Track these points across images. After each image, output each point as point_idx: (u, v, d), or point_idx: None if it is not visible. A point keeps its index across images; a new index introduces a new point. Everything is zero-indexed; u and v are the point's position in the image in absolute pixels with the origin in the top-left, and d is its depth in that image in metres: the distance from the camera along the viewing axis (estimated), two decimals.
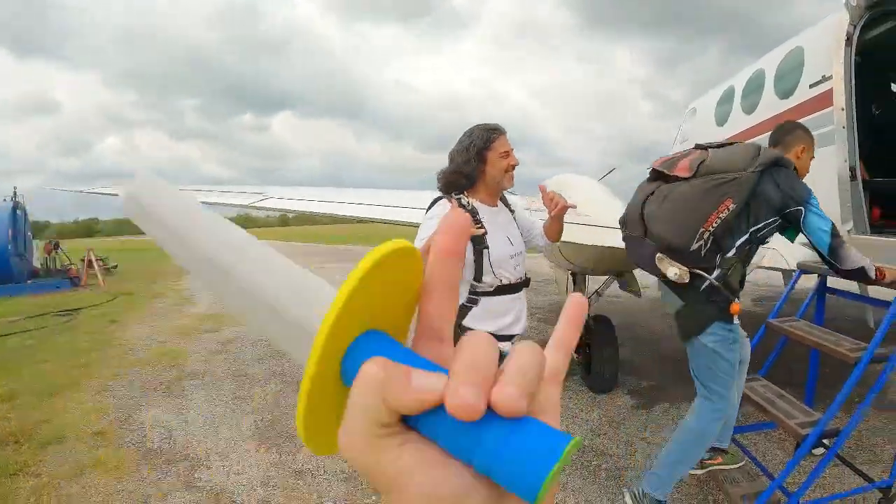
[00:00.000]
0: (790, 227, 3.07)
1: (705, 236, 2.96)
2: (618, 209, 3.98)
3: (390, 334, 0.36)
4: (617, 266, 5.53)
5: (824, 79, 5.04)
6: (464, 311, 2.91)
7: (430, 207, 3.02)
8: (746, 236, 3.02)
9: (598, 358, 5.71)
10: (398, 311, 0.38)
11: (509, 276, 2.97)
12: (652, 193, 3.26)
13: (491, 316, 2.91)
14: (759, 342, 4.05)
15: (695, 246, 2.97)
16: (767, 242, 3.20)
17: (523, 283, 3.08)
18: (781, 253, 5.35)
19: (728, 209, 2.92)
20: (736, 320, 3.13)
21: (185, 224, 0.40)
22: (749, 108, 6.68)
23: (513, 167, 3.00)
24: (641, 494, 3.33)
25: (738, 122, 6.95)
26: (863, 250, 4.36)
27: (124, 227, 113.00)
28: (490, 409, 0.30)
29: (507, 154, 2.97)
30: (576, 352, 6.01)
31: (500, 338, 2.87)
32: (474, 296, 2.91)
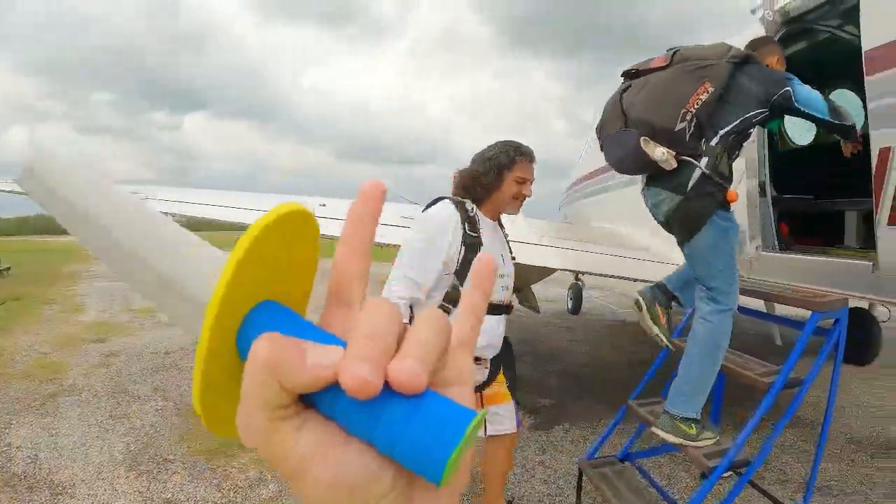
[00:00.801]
0: (775, 117, 3.15)
1: (688, 117, 2.94)
2: (521, 224, 3.80)
3: (289, 305, 0.35)
4: (515, 282, 5.23)
5: None
6: None
7: (429, 206, 2.90)
8: (730, 127, 2.98)
9: None
10: (297, 280, 0.37)
11: (493, 296, 2.65)
12: (629, 87, 3.22)
13: None
14: (662, 363, 3.85)
15: (679, 126, 2.95)
16: (750, 135, 3.19)
17: (505, 308, 3.03)
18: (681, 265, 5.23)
19: (707, 92, 2.92)
20: (732, 208, 3.10)
21: (89, 201, 0.36)
22: None
23: (524, 196, 2.93)
24: (672, 418, 3.17)
25: None
26: (771, 268, 4.24)
27: (27, 225, 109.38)
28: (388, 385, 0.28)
29: (524, 182, 2.91)
30: None
31: None
32: (450, 304, 2.74)
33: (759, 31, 4.36)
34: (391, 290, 2.62)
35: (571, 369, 7.02)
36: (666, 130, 2.96)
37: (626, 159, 3.23)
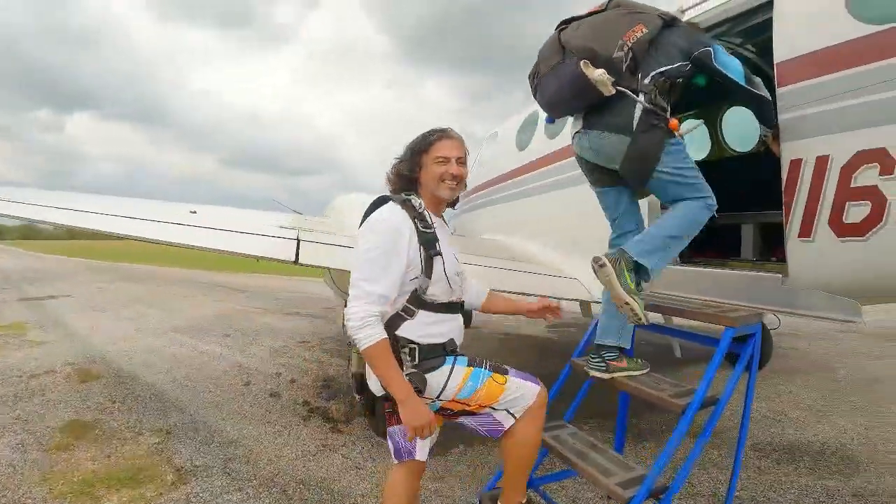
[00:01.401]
0: (699, 72, 3.24)
1: (625, 48, 3.09)
2: None
3: None
4: None
5: None
6: (397, 320, 2.61)
7: (372, 208, 2.70)
8: (660, 70, 3.12)
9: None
10: None
11: (452, 295, 2.79)
12: (565, 28, 3.32)
13: (426, 333, 2.65)
14: (562, 384, 3.73)
15: (616, 55, 3.08)
16: (677, 88, 3.27)
17: (461, 306, 2.92)
18: (583, 283, 5.11)
19: (641, 31, 3.13)
20: (678, 133, 3.20)
21: None
22: (553, 134, 6.51)
23: (451, 175, 2.75)
24: (619, 255, 3.11)
25: (542, 147, 6.79)
26: (675, 282, 4.20)
27: None
28: None
29: (446, 161, 2.74)
30: (357, 392, 5.36)
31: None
32: (413, 306, 2.62)
33: None
34: (360, 313, 2.42)
35: None
36: (604, 57, 3.07)
37: (563, 89, 3.23)
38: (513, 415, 2.73)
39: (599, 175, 3.51)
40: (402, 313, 2.61)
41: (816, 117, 3.36)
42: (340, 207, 5.75)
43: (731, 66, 3.16)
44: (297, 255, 3.99)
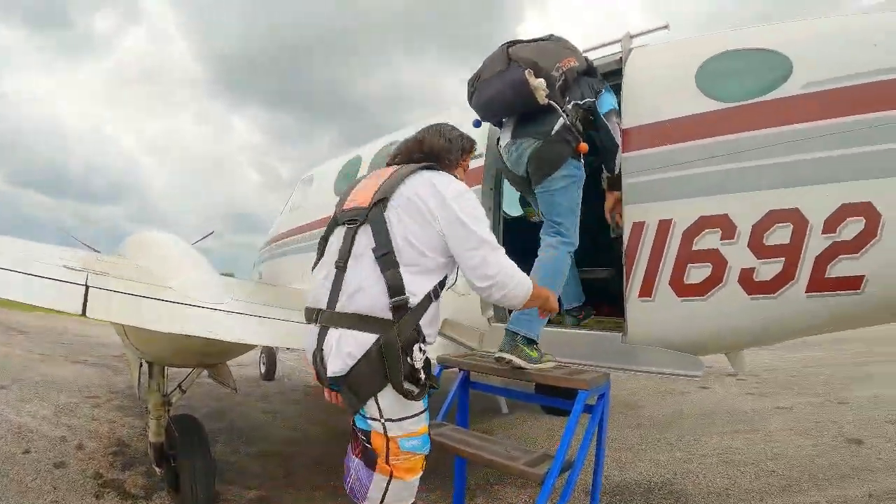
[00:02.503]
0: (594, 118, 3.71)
1: (560, 71, 3.59)
2: (213, 285, 3.69)
3: None
4: (205, 359, 4.44)
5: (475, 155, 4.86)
6: (427, 302, 2.37)
7: (429, 169, 2.55)
8: (578, 101, 3.63)
9: (188, 471, 4.29)
10: None
11: None
12: (513, 44, 3.75)
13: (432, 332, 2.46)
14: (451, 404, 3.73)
15: (554, 73, 3.56)
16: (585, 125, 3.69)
17: None
18: None
19: (574, 63, 3.68)
20: (582, 159, 3.63)
21: None
22: None
23: None
24: (515, 336, 3.43)
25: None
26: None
27: None
28: None
29: (466, 172, 2.90)
30: (157, 465, 4.67)
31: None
32: (439, 291, 2.45)
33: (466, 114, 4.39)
34: (506, 259, 2.41)
35: (274, 448, 6.10)
36: (544, 72, 3.51)
37: (505, 91, 3.64)
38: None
39: (523, 186, 4.00)
40: (432, 294, 2.39)
41: (661, 183, 3.52)
42: (139, 247, 5.03)
43: (609, 109, 3.69)
44: (84, 305, 3.39)
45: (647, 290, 3.57)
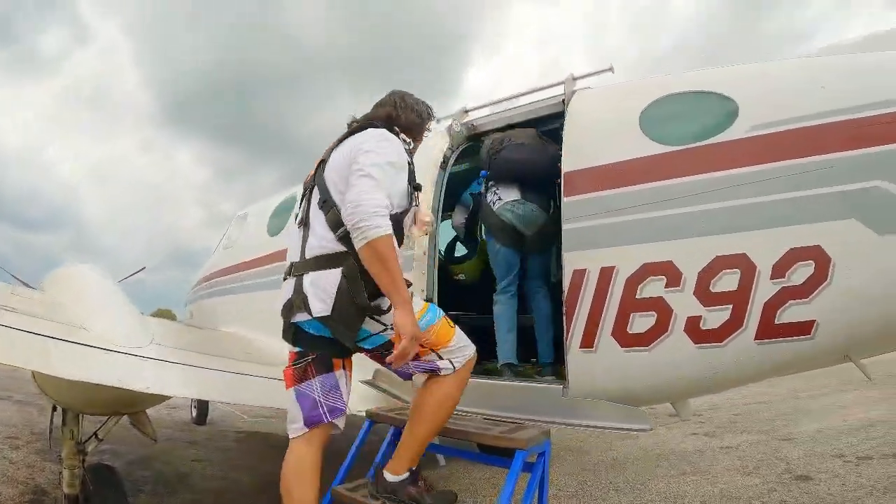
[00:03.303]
0: None
1: None
2: (132, 327, 3.55)
3: None
4: (121, 407, 4.12)
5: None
6: None
7: (363, 129, 2.84)
8: None
9: None
10: None
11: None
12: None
13: None
14: (364, 442, 3.60)
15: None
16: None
17: None
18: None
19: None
20: None
21: None
22: None
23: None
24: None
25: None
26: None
27: None
28: None
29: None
30: None
31: None
32: (396, 234, 2.62)
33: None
34: (377, 200, 2.44)
35: (205, 499, 5.67)
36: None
37: (539, 162, 4.16)
38: (454, 366, 2.78)
39: (513, 238, 4.39)
40: None
41: (604, 229, 3.40)
42: (59, 281, 4.62)
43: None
44: None
45: (588, 341, 3.40)
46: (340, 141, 2.83)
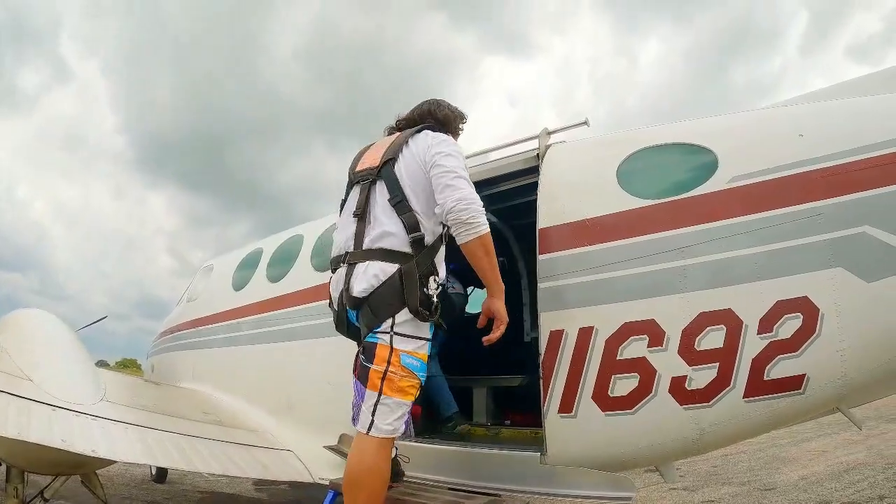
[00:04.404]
0: None
1: None
2: (83, 381, 3.44)
3: None
4: (66, 469, 3.85)
5: None
6: (439, 243, 2.93)
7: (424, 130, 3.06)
8: None
9: None
10: None
11: None
12: None
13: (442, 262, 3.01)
14: None
15: None
16: None
17: None
18: (299, 457, 4.25)
19: None
20: None
21: None
22: (276, 277, 5.83)
23: None
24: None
25: (261, 290, 6.01)
26: (415, 463, 3.76)
27: None
28: None
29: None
30: None
31: None
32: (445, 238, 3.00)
33: None
34: (479, 201, 2.71)
35: None
36: None
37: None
38: (372, 423, 2.65)
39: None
40: (444, 236, 2.91)
41: (581, 287, 3.28)
42: (10, 326, 4.31)
43: None
44: None
45: (567, 406, 3.21)
46: (397, 140, 3.00)
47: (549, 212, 3.53)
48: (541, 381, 3.34)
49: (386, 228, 2.77)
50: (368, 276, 2.69)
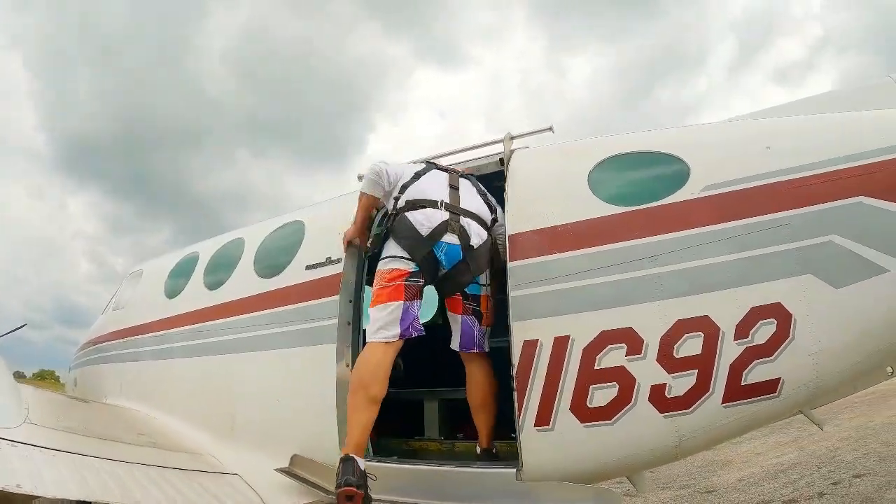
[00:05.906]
0: None
1: None
2: (3, 400, 3.23)
3: None
4: None
5: (329, 261, 4.27)
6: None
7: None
8: None
9: None
10: None
11: None
12: None
13: None
14: None
15: None
16: None
17: None
18: (246, 481, 3.97)
19: None
20: None
21: None
22: (215, 283, 5.46)
23: None
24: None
25: (200, 298, 5.59)
26: (385, 484, 3.53)
27: None
28: None
29: None
30: None
31: None
32: None
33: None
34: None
35: None
36: None
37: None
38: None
39: None
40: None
41: (555, 295, 3.23)
42: None
43: None
44: None
45: (544, 419, 3.14)
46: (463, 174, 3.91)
47: (520, 217, 3.49)
48: (514, 394, 3.23)
49: (477, 202, 3.78)
50: (476, 235, 3.55)
